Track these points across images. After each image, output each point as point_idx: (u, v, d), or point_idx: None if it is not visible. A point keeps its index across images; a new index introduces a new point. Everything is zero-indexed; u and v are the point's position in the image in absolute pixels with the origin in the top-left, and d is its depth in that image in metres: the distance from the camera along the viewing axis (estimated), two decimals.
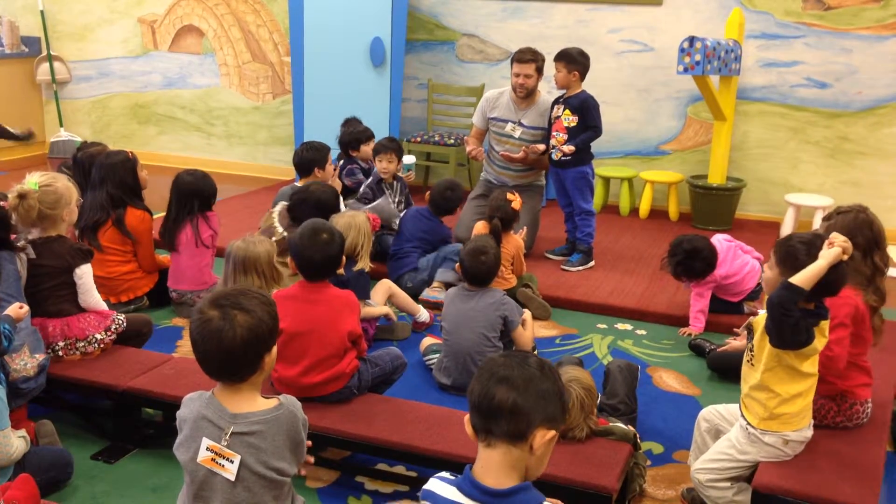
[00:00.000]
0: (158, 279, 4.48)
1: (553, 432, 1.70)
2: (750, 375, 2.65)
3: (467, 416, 1.76)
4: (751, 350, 2.66)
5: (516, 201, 4.57)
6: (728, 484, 2.67)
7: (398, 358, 3.34)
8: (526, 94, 5.29)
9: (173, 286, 4.40)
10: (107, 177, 4.27)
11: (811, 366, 2.57)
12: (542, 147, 5.20)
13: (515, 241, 4.55)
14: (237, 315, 1.99)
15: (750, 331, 2.66)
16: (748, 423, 2.62)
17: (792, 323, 2.46)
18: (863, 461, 2.66)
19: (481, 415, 1.72)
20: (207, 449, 2.04)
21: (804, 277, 2.46)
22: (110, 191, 4.26)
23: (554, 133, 5.12)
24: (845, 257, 2.52)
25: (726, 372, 3.84)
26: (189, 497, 2.11)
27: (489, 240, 3.79)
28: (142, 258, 4.38)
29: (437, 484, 1.79)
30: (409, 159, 5.51)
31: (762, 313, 2.61)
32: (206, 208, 4.40)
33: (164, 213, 4.43)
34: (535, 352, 3.91)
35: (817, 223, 5.55)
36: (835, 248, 2.50)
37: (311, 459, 2.30)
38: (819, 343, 2.53)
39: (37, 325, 3.29)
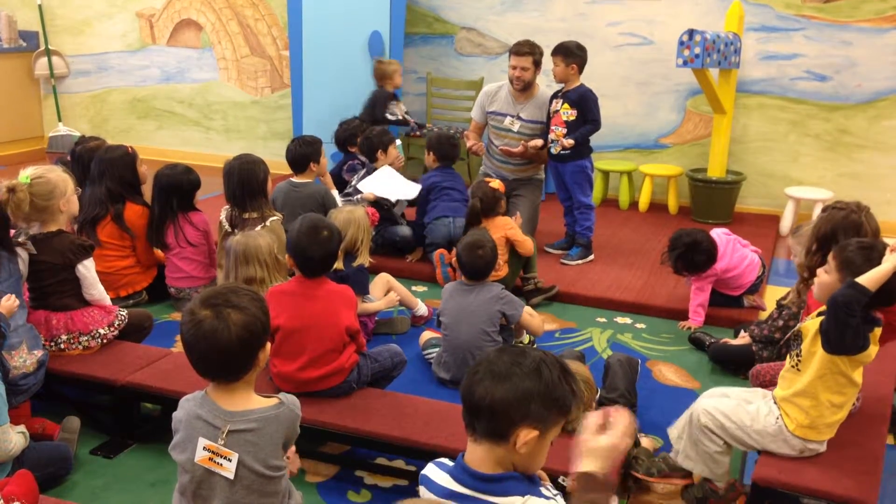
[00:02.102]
0: (157, 274, 4.48)
1: (536, 433, 1.67)
2: (795, 380, 2.62)
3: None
4: (797, 356, 2.63)
5: (493, 182, 4.55)
6: (721, 440, 2.68)
7: (398, 355, 3.33)
8: (523, 87, 5.28)
9: (171, 283, 4.40)
10: (106, 171, 4.26)
11: (860, 374, 2.56)
12: (540, 142, 5.19)
13: (502, 223, 4.45)
14: (231, 313, 1.97)
15: (797, 337, 2.63)
16: (784, 425, 2.61)
17: (854, 324, 2.43)
18: (863, 455, 2.65)
19: (465, 410, 1.74)
20: (204, 449, 2.03)
21: (869, 279, 2.43)
22: (109, 185, 4.25)
23: (553, 127, 5.11)
24: None
25: (727, 364, 3.84)
26: (188, 497, 2.10)
27: (485, 233, 3.78)
28: (140, 253, 4.38)
29: (433, 470, 1.82)
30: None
31: (809, 319, 2.59)
32: (187, 206, 4.35)
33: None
34: (534, 345, 3.91)
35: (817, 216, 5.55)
36: None
37: (293, 450, 2.28)
38: (873, 350, 2.50)
39: (41, 318, 3.30)
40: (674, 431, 2.92)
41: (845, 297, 2.43)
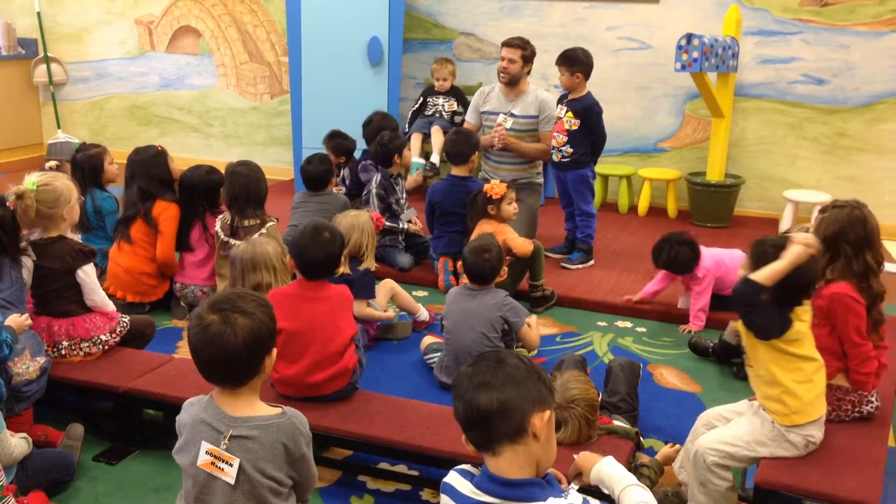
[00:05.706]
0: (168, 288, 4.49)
1: (549, 412, 1.73)
2: (756, 378, 2.65)
3: (464, 436, 1.77)
4: (745, 354, 2.67)
5: (494, 181, 4.50)
6: (730, 475, 2.68)
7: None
8: (508, 81, 5.30)
9: (179, 279, 4.41)
10: (137, 173, 4.36)
11: (809, 349, 2.59)
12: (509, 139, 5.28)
13: (495, 229, 4.33)
14: (238, 318, 1.98)
15: (739, 336, 2.66)
16: (778, 424, 2.62)
17: (757, 313, 2.51)
18: (865, 457, 2.66)
19: (475, 428, 1.73)
20: (207, 453, 2.04)
21: (763, 274, 2.49)
22: (141, 185, 4.35)
23: (554, 134, 5.12)
24: (811, 251, 2.51)
25: (730, 362, 3.86)
26: (190, 501, 2.10)
27: (491, 238, 3.78)
28: (160, 248, 4.35)
29: (456, 478, 1.81)
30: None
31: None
32: (213, 205, 4.42)
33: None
34: (535, 351, 3.92)
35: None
36: (795, 247, 2.48)
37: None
38: (802, 326, 2.55)
39: (43, 324, 3.30)
40: (675, 465, 2.90)
41: (736, 291, 2.56)
